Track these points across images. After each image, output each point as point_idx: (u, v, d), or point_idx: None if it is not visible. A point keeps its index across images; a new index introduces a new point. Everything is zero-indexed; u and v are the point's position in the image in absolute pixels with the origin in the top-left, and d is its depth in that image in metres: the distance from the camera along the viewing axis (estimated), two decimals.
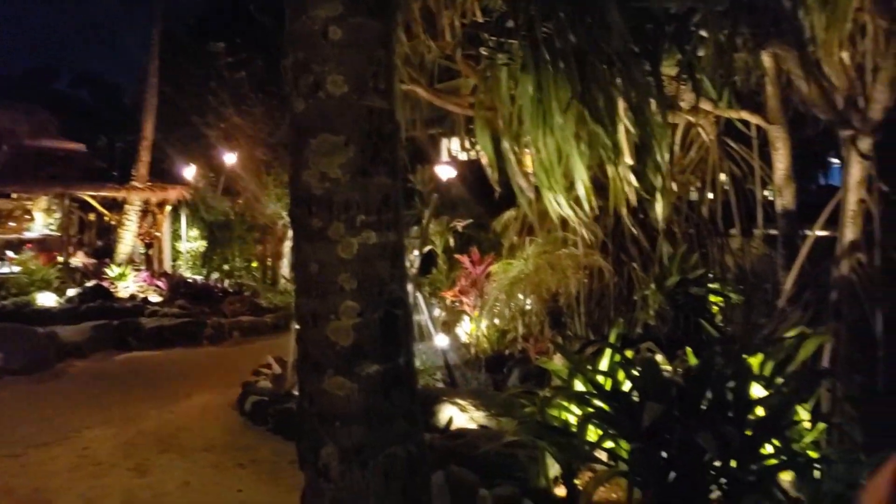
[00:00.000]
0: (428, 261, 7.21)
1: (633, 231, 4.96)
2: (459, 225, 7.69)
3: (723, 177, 5.60)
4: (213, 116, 12.99)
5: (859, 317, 4.02)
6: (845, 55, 4.29)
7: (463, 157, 8.04)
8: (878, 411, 3.22)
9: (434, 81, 5.71)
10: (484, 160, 5.14)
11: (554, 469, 3.26)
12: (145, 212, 13.51)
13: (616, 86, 4.23)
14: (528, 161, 4.83)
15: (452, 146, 8.10)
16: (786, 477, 2.96)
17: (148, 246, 13.90)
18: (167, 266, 13.83)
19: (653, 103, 4.16)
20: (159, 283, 11.89)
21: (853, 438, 3.00)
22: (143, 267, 13.21)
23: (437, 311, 6.42)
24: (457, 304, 6.58)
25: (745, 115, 4.99)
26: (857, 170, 4.29)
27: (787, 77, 4.67)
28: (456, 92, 5.84)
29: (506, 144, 4.70)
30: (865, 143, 4.25)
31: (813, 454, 2.89)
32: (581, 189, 4.36)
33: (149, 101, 12.82)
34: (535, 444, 3.28)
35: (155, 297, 11.37)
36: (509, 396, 4.08)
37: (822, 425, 3.03)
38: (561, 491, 3.21)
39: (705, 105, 4.85)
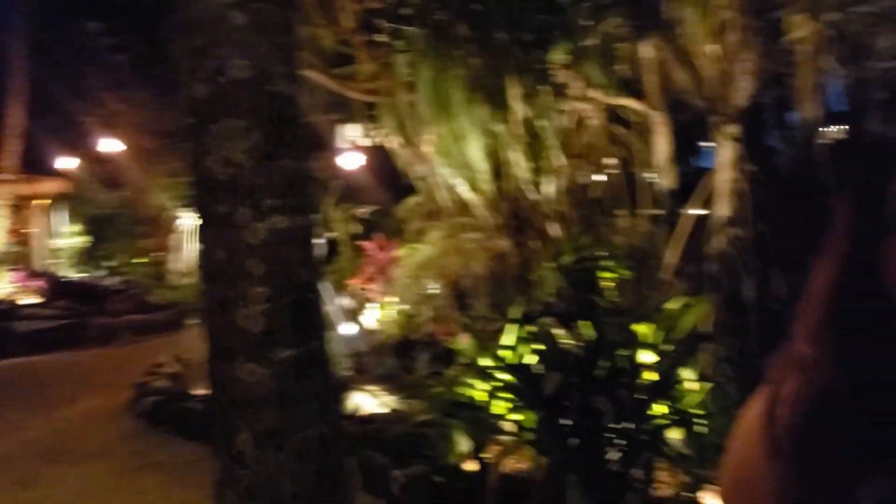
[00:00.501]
0: (331, 249, 7.16)
1: (530, 213, 5.17)
2: (363, 212, 7.68)
3: (610, 160, 5.93)
4: (92, 103, 12.22)
5: (734, 286, 4.40)
6: (715, 47, 4.65)
7: (364, 143, 8.03)
8: (751, 370, 3.54)
9: (331, 67, 5.67)
10: (387, 146, 5.18)
11: (464, 445, 3.38)
12: (18, 206, 12.56)
13: (510, 73, 4.39)
14: (429, 146, 4.91)
15: (352, 132, 8.05)
16: (675, 434, 3.22)
17: (21, 243, 12.94)
18: (42, 264, 12.93)
19: (545, 90, 4.35)
20: (37, 283, 11.11)
21: (731, 395, 3.31)
22: (17, 266, 12.29)
23: (342, 300, 6.41)
24: (363, 291, 6.60)
25: (628, 101, 5.30)
26: (727, 152, 4.67)
27: (665, 67, 5.00)
28: (354, 78, 5.83)
29: (408, 130, 4.76)
30: (733, 128, 4.63)
31: (697, 411, 3.15)
32: (479, 173, 4.49)
33: (16, 86, 11.88)
34: (444, 422, 3.38)
35: (32, 299, 10.62)
36: (418, 379, 4.17)
37: (705, 385, 3.31)
38: (471, 465, 3.34)
39: (593, 92, 5.11)
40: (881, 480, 0.66)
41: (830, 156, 4.70)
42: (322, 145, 7.32)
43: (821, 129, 5.74)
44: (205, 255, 2.13)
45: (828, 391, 0.70)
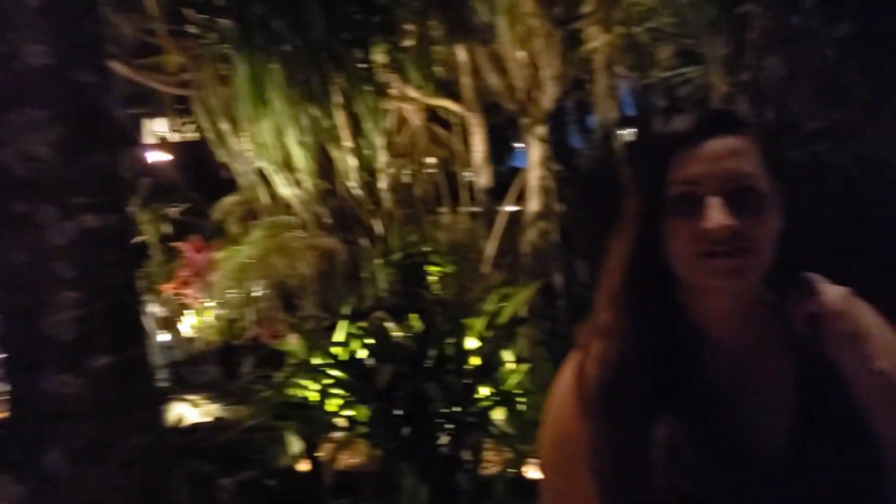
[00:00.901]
0: (140, 252, 6.66)
1: (357, 211, 5.21)
2: (175, 212, 7.22)
3: (431, 159, 6.14)
4: None
5: (546, 275, 4.78)
6: (523, 53, 5.00)
7: (174, 138, 7.55)
8: (563, 349, 3.88)
9: (135, 57, 5.29)
10: (202, 142, 4.93)
11: (296, 446, 3.34)
12: None
13: (330, 70, 4.39)
14: (247, 143, 4.76)
15: (160, 127, 7.55)
16: (499, 414, 3.43)
17: None
18: None
19: (367, 89, 4.41)
20: None
21: (546, 373, 3.60)
22: None
23: (154, 307, 6.00)
24: (178, 297, 6.22)
25: (446, 102, 5.52)
26: (536, 152, 5.06)
27: (479, 70, 5.28)
28: (161, 69, 5.47)
29: (223, 126, 4.58)
30: (541, 129, 5.02)
31: (518, 391, 3.39)
32: (302, 170, 4.45)
33: None
34: (275, 425, 3.32)
35: None
36: (244, 384, 4.04)
37: (524, 366, 3.57)
38: (304, 465, 3.31)
39: (412, 92, 5.26)
40: (668, 420, 0.78)
41: (622, 154, 5.26)
42: (127, 140, 6.78)
43: (616, 130, 6.39)
44: (1, 260, 1.92)
45: (625, 352, 0.82)
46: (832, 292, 0.79)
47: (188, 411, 4.43)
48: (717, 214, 0.75)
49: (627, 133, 5.49)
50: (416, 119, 5.87)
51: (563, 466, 0.87)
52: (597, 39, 4.83)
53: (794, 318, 0.79)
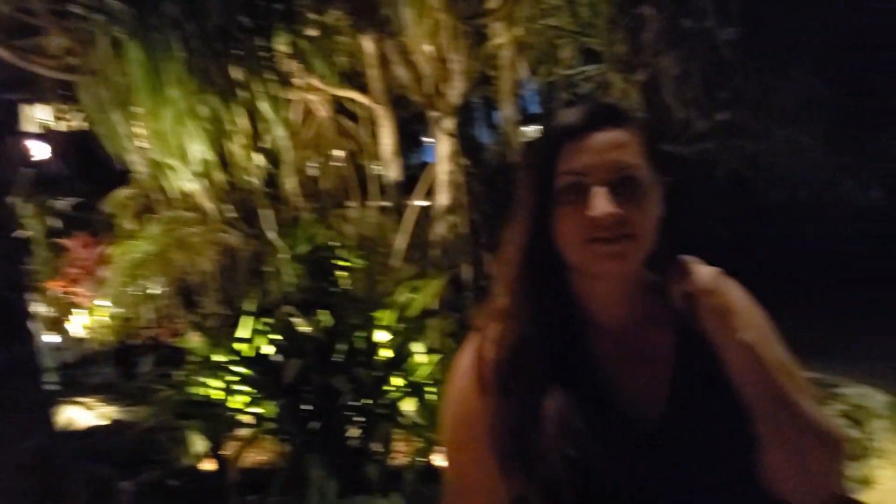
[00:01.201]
0: (23, 247, 6.21)
1: (262, 204, 5.07)
2: (62, 206, 6.77)
3: (339, 152, 6.05)
4: None
5: (455, 268, 4.84)
6: (430, 47, 5.02)
7: (58, 127, 7.07)
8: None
9: (11, 37, 4.91)
10: (90, 130, 4.65)
11: (200, 445, 3.23)
12: None
13: (230, 58, 4.25)
14: (141, 132, 4.53)
15: (42, 114, 7.05)
16: (409, 405, 3.45)
17: None
18: None
19: (270, 78, 4.29)
20: None
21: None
22: None
23: (39, 306, 5.61)
24: (66, 295, 5.85)
25: (353, 94, 5.46)
26: (444, 146, 5.09)
27: (386, 62, 5.26)
28: (42, 51, 5.10)
29: (115, 115, 4.33)
30: (449, 123, 5.06)
31: (428, 382, 3.42)
32: (201, 163, 4.28)
33: None
34: (177, 424, 3.20)
35: None
36: (143, 384, 3.86)
37: (434, 357, 3.60)
38: (209, 465, 3.21)
39: (318, 83, 5.17)
40: (559, 394, 0.82)
41: (522, 150, 5.39)
42: (3, 127, 6.29)
43: (522, 127, 6.53)
44: None
45: (521, 333, 0.86)
46: (705, 272, 0.84)
47: (82, 414, 4.19)
48: (601, 203, 0.80)
49: (532, 129, 5.63)
50: (322, 110, 5.78)
51: (464, 443, 0.90)
52: (502, 36, 4.92)
53: (672, 297, 0.85)
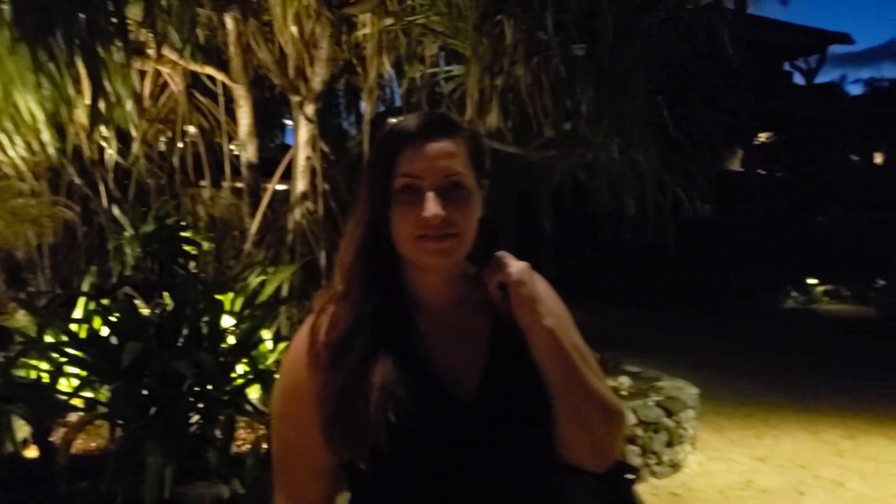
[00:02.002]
0: None
1: (104, 178, 4.78)
2: None
3: (192, 129, 5.82)
4: None
5: (310, 254, 4.83)
6: (296, 29, 4.96)
7: None
8: None
9: None
10: None
11: (25, 431, 3.04)
12: None
13: (69, 21, 3.96)
14: None
15: None
16: (254, 392, 3.44)
17: None
18: None
19: (117, 46, 4.05)
20: None
21: None
22: None
23: None
24: None
25: (210, 70, 5.28)
26: (304, 131, 5.06)
27: (248, 41, 5.13)
28: None
29: None
30: (310, 109, 5.03)
31: (274, 369, 3.43)
32: (37, 131, 3.97)
33: None
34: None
35: None
36: None
37: (282, 344, 3.61)
38: (33, 451, 3.02)
39: (172, 55, 4.95)
40: (384, 367, 0.94)
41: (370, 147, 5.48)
42: None
43: (383, 118, 6.61)
44: None
45: (352, 314, 0.97)
46: (516, 266, 0.98)
47: None
48: (431, 206, 0.92)
49: (393, 121, 5.73)
50: (176, 84, 5.53)
51: (292, 415, 0.99)
52: (368, 27, 4.97)
53: (489, 287, 0.99)
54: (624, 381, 4.81)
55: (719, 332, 10.21)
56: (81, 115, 4.19)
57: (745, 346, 9.18)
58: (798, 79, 21.97)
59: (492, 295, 0.99)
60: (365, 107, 5.50)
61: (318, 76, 5.04)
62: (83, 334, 3.20)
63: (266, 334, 3.68)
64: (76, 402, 2.98)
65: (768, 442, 5.13)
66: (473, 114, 4.73)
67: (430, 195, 0.92)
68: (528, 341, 0.96)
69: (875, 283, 12.69)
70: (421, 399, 0.93)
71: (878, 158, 18.72)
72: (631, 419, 4.27)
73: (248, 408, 3.23)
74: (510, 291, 0.96)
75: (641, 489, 4.19)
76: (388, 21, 4.86)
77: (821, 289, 13.76)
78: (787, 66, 21.92)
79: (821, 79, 22.32)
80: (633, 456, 4.22)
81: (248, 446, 3.22)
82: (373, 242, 0.97)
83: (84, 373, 3.02)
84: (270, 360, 3.62)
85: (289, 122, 7.00)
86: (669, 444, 4.44)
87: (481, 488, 0.93)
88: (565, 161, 4.49)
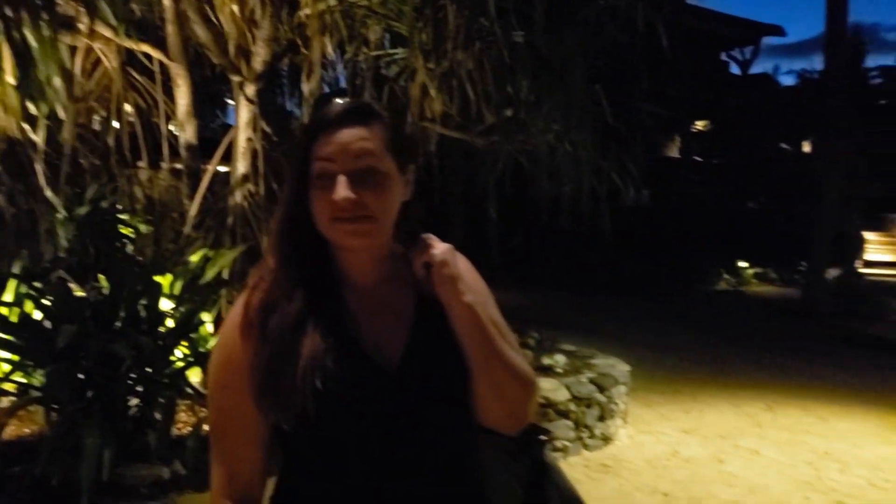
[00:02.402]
0: None
1: (31, 159, 4.62)
2: None
3: (128, 108, 5.65)
4: None
5: (251, 237, 4.80)
6: (236, 8, 4.87)
7: None
8: None
9: None
10: None
11: None
12: None
13: None
14: None
15: None
16: (194, 375, 3.44)
17: None
18: None
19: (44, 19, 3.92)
20: None
21: None
22: None
23: None
24: None
25: (146, 48, 5.13)
26: (245, 112, 5.00)
27: (186, 18, 5.00)
28: None
29: None
30: (251, 89, 4.97)
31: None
32: None
33: None
34: None
35: None
36: None
37: None
38: None
39: (106, 31, 4.79)
40: (313, 339, 1.00)
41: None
42: None
43: (327, 100, 6.55)
44: None
45: (281, 288, 1.04)
46: (440, 247, 1.04)
47: None
48: (341, 189, 0.98)
49: (337, 103, 5.69)
50: (110, 61, 5.37)
51: (226, 384, 1.05)
52: (310, 7, 4.92)
53: (414, 267, 1.06)
54: (559, 359, 4.99)
55: (654, 313, 10.59)
56: (7, 93, 4.03)
57: (676, 326, 9.56)
58: (734, 69, 22.74)
59: (417, 274, 1.05)
60: (306, 88, 5.45)
61: (259, 56, 4.97)
62: (14, 318, 3.13)
63: (206, 317, 3.67)
64: (8, 386, 2.93)
65: (694, 415, 5.41)
66: (417, 98, 4.77)
67: (342, 179, 0.98)
68: (449, 317, 1.03)
69: (799, 267, 13.32)
70: (347, 368, 0.99)
71: (807, 147, 19.57)
72: (565, 395, 4.44)
73: (189, 390, 3.24)
74: (433, 271, 1.03)
75: (575, 461, 4.39)
76: (331, 2, 4.83)
77: (750, 272, 14.38)
78: (723, 57, 22.63)
79: (755, 69, 23.09)
80: (567, 429, 4.40)
81: (189, 428, 3.23)
82: (293, 223, 1.04)
83: (16, 357, 2.97)
84: (211, 343, 3.61)
85: (230, 102, 6.87)
86: (601, 418, 4.64)
87: (402, 453, 1.00)
88: (507, 147, 4.58)
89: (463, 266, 1.09)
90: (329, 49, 5.27)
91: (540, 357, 4.94)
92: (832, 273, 11.24)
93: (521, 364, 1.06)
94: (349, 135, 1.00)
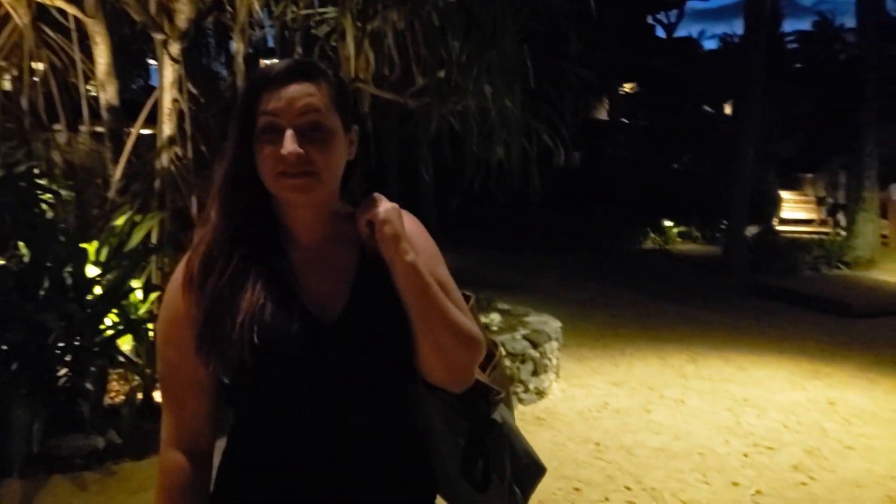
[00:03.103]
0: None
1: None
2: None
3: (41, 67, 5.35)
4: None
5: (180, 202, 4.67)
6: None
7: None
8: None
9: None
10: None
11: None
12: None
13: None
14: None
15: None
16: (125, 342, 3.37)
17: None
18: None
19: None
20: None
21: None
22: None
23: None
24: None
25: (60, 2, 4.85)
26: (169, 72, 4.81)
27: None
28: None
29: None
30: (175, 48, 4.78)
31: (145, 318, 3.37)
32: None
33: None
34: None
35: None
36: None
37: (154, 294, 3.53)
38: None
39: None
40: (253, 291, 1.03)
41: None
42: None
43: (256, 59, 6.37)
44: None
45: (219, 242, 1.06)
46: (385, 206, 1.05)
47: None
48: (289, 143, 0.98)
49: (268, 63, 5.55)
50: (21, 16, 5.05)
51: (172, 337, 1.07)
52: None
53: (359, 225, 1.07)
54: (495, 318, 5.12)
55: (584, 271, 10.92)
56: None
57: (605, 283, 9.91)
58: (660, 32, 23.23)
59: (361, 233, 1.07)
60: (235, 47, 5.28)
61: (182, 13, 4.78)
62: None
63: (136, 283, 3.59)
64: None
65: (623, 368, 5.68)
66: (349, 58, 4.70)
67: (289, 133, 0.99)
68: (392, 275, 1.05)
69: (720, 225, 13.93)
70: (285, 322, 1.02)
71: (728, 109, 20.29)
72: (500, 352, 4.58)
73: (121, 359, 3.18)
74: (376, 229, 1.04)
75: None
76: None
77: (675, 230, 14.94)
78: (649, 20, 23.07)
79: (680, 33, 23.68)
80: None
81: (123, 397, 3.18)
82: (236, 177, 1.04)
83: None
84: (142, 310, 3.55)
85: (153, 63, 6.58)
86: (535, 374, 4.82)
87: (343, 409, 1.03)
88: (441, 109, 4.59)
89: (410, 225, 1.10)
90: (257, 7, 5.12)
91: (476, 316, 5.06)
92: (751, 231, 11.81)
93: (466, 324, 1.07)
94: (296, 90, 1.00)
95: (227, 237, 1.04)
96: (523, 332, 5.00)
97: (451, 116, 4.62)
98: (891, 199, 13.86)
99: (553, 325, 5.35)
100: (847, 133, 13.78)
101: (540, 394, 4.86)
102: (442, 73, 4.46)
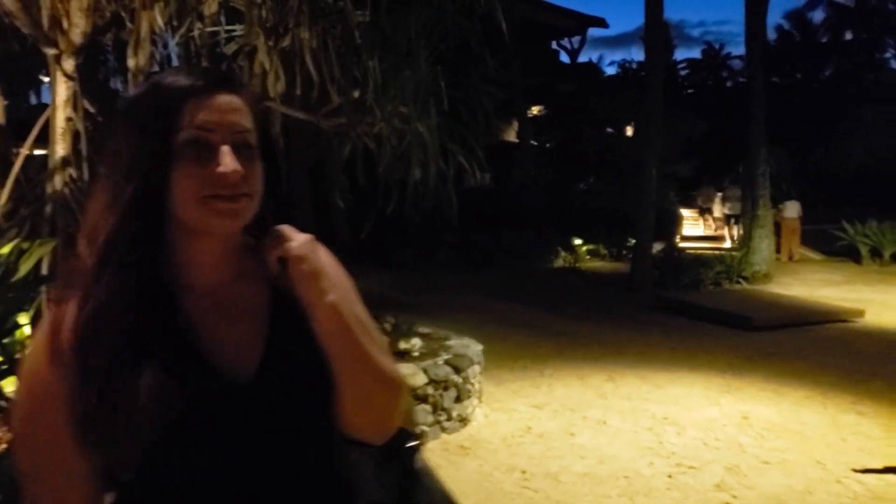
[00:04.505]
0: None
1: None
2: None
3: None
4: None
5: (73, 228, 4.34)
6: None
7: None
8: None
9: None
10: None
11: None
12: None
13: None
14: None
15: None
16: (10, 386, 3.05)
17: None
18: None
19: None
20: None
21: None
22: None
23: None
24: None
25: None
26: (63, 89, 4.50)
27: None
28: None
29: None
30: (69, 64, 4.48)
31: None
32: None
33: None
34: None
35: None
36: None
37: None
38: None
39: None
40: (150, 362, 0.84)
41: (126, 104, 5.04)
42: None
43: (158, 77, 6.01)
44: None
45: (101, 300, 0.84)
46: (298, 239, 0.90)
47: None
48: (230, 161, 0.84)
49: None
50: None
51: (35, 416, 0.87)
52: None
53: (268, 262, 0.92)
54: (416, 343, 5.03)
55: (498, 290, 11.00)
56: None
57: (520, 302, 10.00)
58: (564, 58, 24.10)
59: (271, 270, 0.92)
60: (131, 63, 4.99)
61: (77, 27, 4.49)
62: None
63: (23, 318, 3.27)
64: None
65: (544, 390, 5.68)
66: (258, 76, 4.54)
67: (226, 149, 0.85)
68: (310, 317, 0.90)
69: (626, 243, 14.44)
70: (194, 391, 0.85)
71: (629, 131, 21.23)
72: (423, 379, 4.48)
73: (2, 403, 2.88)
74: (291, 267, 0.90)
75: (434, 445, 4.46)
76: None
77: (584, 248, 15.36)
78: (553, 46, 23.91)
79: (583, 58, 24.65)
80: (425, 414, 4.45)
81: (5, 446, 2.87)
82: (143, 207, 0.85)
83: None
84: (29, 348, 3.23)
85: (45, 80, 6.15)
86: (458, 400, 4.74)
87: (264, 478, 0.89)
88: (356, 129, 4.49)
89: (325, 258, 0.96)
90: (160, 21, 4.87)
91: (397, 341, 4.95)
92: (656, 248, 12.29)
93: (389, 367, 0.96)
94: (226, 102, 0.87)
95: (118, 285, 0.85)
96: (445, 356, 4.93)
97: (365, 137, 4.54)
98: (782, 217, 14.83)
99: (475, 348, 5.30)
100: (739, 154, 14.69)
101: (463, 420, 4.78)
102: (357, 94, 4.38)
